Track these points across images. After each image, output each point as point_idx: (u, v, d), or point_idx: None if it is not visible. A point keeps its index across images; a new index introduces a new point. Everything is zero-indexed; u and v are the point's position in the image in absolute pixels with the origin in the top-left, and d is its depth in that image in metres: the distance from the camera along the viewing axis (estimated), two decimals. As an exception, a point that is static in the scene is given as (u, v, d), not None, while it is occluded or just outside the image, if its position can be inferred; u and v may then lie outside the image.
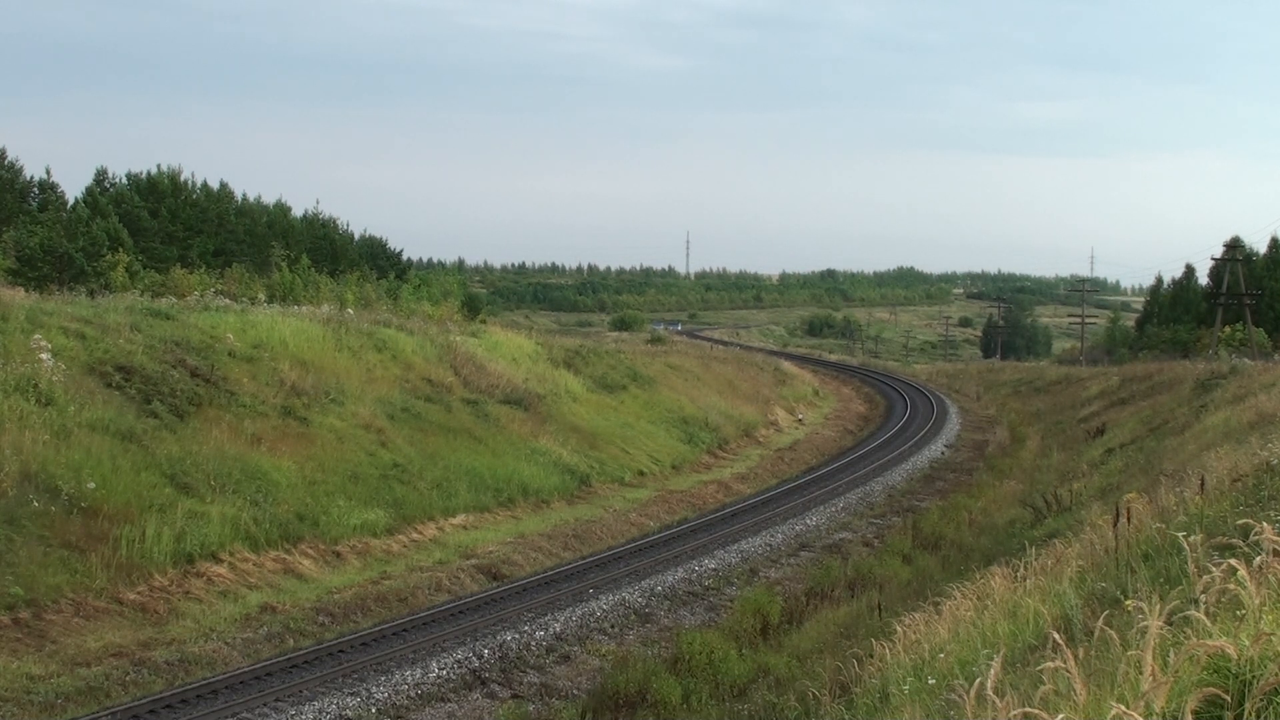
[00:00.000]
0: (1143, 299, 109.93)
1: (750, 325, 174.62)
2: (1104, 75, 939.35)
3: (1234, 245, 66.38)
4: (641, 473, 35.20)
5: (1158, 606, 5.29)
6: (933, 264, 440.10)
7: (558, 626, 18.95)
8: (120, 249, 44.51)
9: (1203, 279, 78.35)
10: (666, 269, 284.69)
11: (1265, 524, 6.45)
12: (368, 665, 16.17)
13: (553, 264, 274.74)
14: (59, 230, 42.23)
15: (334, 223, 67.08)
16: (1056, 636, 5.42)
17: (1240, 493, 11.01)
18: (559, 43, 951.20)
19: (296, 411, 26.43)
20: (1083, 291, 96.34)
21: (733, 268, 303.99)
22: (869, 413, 61.61)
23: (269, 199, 66.32)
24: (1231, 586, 5.54)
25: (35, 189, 52.92)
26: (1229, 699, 4.33)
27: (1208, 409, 30.08)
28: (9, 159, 51.16)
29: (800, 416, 54.42)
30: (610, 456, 35.23)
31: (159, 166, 58.54)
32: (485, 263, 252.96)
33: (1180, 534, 7.83)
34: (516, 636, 18.11)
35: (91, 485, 18.86)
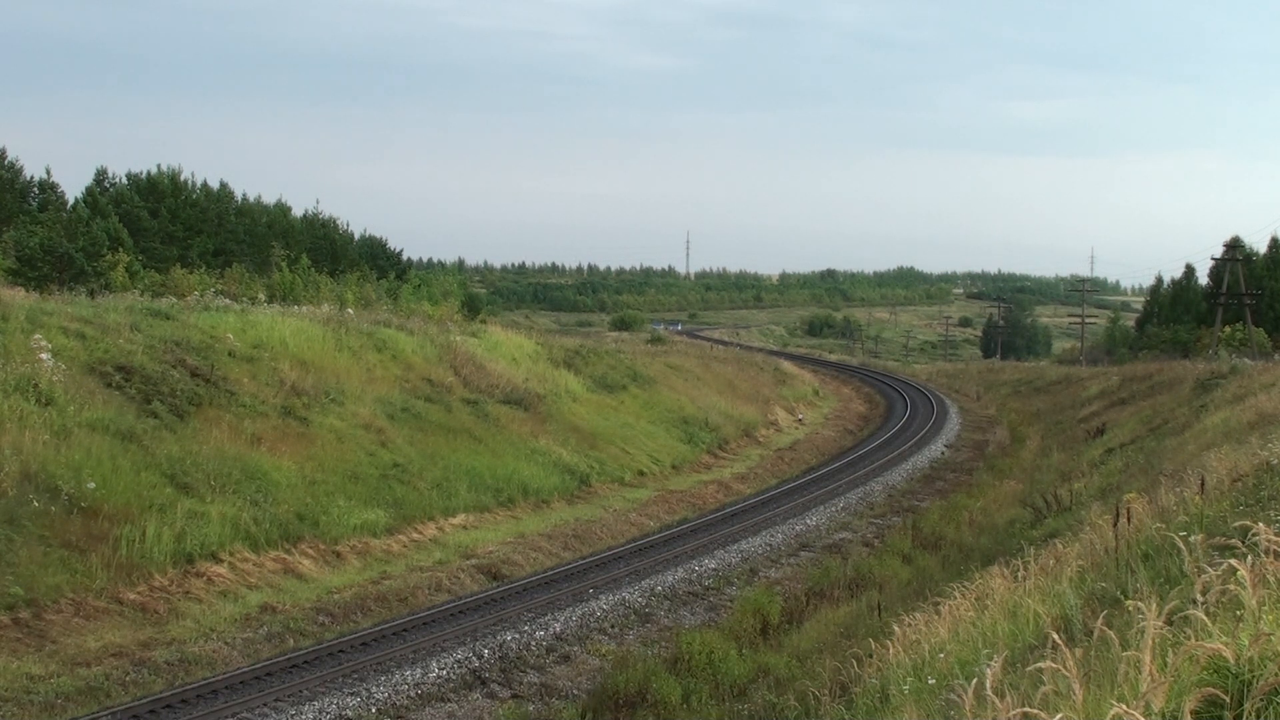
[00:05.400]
0: (1143, 299, 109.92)
1: (750, 325, 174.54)
2: (1103, 75, 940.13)
3: (1234, 245, 66.39)
4: (641, 473, 35.20)
5: (1157, 606, 5.28)
6: (933, 264, 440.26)
7: (558, 626, 18.95)
8: (120, 249, 44.53)
9: (1203, 279, 78.42)
10: (666, 269, 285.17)
11: (1263, 525, 6.46)
12: (368, 665, 16.16)
13: (553, 264, 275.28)
14: (59, 230, 42.19)
15: (334, 223, 67.17)
16: (1056, 637, 5.41)
17: (1240, 493, 11.00)
18: (554, 42, 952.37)
19: (296, 411, 26.44)
20: (1083, 291, 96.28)
21: (733, 268, 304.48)
22: (869, 413, 61.61)
23: (269, 199, 66.53)
24: (1231, 586, 5.54)
25: (35, 189, 52.94)
26: (1228, 699, 4.33)
27: (1208, 409, 30.06)
28: (9, 159, 51.24)
29: (800, 416, 54.40)
30: (610, 456, 35.22)
31: (159, 166, 58.66)
32: (485, 263, 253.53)
33: (1180, 534, 7.83)
34: (516, 636, 18.11)
35: (91, 485, 18.86)
